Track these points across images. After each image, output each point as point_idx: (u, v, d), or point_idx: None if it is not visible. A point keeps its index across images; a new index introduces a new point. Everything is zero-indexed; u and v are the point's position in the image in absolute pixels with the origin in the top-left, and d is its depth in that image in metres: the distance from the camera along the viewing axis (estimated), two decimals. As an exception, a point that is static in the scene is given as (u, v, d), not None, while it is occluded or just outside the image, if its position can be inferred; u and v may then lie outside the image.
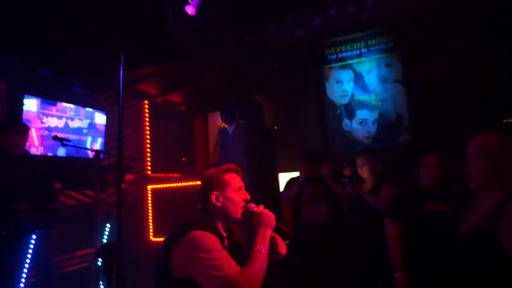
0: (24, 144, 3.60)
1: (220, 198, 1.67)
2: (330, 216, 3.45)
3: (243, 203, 1.69)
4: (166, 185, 4.34)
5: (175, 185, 4.37)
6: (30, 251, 3.06)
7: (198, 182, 4.28)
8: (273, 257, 1.70)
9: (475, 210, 1.50)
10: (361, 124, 4.96)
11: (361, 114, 4.97)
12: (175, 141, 5.74)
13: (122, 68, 1.67)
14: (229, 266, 1.49)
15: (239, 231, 1.85)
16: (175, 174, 4.96)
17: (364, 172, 3.32)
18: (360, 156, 3.35)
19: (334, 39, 5.07)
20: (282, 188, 4.65)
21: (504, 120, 3.38)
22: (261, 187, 4.32)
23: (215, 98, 5.72)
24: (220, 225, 1.68)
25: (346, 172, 4.09)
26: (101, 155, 3.95)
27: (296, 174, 4.08)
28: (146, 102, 5.41)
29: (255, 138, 4.27)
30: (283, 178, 4.75)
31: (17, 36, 3.84)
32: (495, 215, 1.37)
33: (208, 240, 1.52)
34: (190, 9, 3.44)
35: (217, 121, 5.98)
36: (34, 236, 3.08)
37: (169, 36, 3.50)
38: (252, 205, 1.69)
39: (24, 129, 3.57)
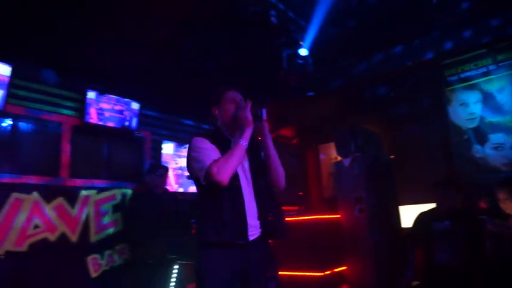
0: (165, 183, 4.16)
1: (216, 111, 2.01)
2: (469, 259, 3.06)
3: (233, 111, 1.95)
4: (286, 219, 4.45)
5: (293, 219, 4.46)
6: (173, 279, 3.44)
7: (317, 216, 4.30)
8: (256, 119, 1.88)
9: None
10: (497, 149, 4.38)
11: (496, 138, 4.39)
12: (289, 175, 5.89)
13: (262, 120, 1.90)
14: (208, 157, 1.79)
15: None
16: (292, 208, 5.06)
17: (508, 207, 2.89)
18: (502, 189, 2.93)
19: (454, 59, 4.69)
20: (403, 221, 4.38)
21: None
22: (383, 221, 4.12)
23: (325, 130, 5.77)
24: (225, 132, 1.99)
25: (482, 205, 3.63)
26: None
27: (420, 206, 3.79)
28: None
29: (373, 171, 4.14)
30: (405, 211, 4.46)
31: (154, 92, 4.57)
32: None
33: (198, 141, 1.88)
34: (303, 51, 3.63)
35: (328, 153, 5.98)
36: (176, 266, 3.46)
37: (284, 78, 3.72)
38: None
39: (165, 171, 4.14)
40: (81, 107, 4.18)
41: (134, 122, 4.56)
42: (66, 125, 4.10)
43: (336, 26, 3.53)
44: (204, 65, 3.91)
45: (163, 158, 4.80)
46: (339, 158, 4.54)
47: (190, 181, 4.07)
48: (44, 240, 3.67)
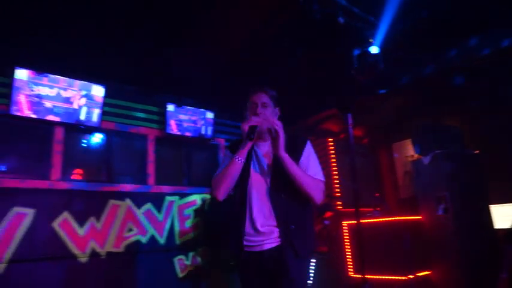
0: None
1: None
2: None
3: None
4: (362, 221, 4.33)
5: (372, 220, 4.33)
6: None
7: (397, 218, 4.14)
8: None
9: None
10: None
11: None
12: (361, 175, 5.74)
13: (350, 127, 1.89)
14: (219, 170, 1.89)
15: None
16: (367, 209, 4.92)
17: None
18: None
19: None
20: (496, 222, 4.01)
21: None
22: (470, 222, 3.83)
23: (399, 128, 5.52)
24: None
25: None
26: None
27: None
28: (330, 139, 5.68)
29: (456, 168, 3.87)
30: (499, 211, 4.08)
31: (226, 100, 4.77)
32: None
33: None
34: (373, 49, 3.54)
35: (402, 151, 5.71)
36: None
37: (355, 77, 3.65)
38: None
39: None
40: (162, 119, 4.53)
41: (209, 131, 4.82)
42: (150, 136, 4.48)
43: (408, 18, 3.39)
44: (274, 71, 4.00)
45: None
46: (416, 156, 4.32)
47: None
48: (137, 242, 4.04)
